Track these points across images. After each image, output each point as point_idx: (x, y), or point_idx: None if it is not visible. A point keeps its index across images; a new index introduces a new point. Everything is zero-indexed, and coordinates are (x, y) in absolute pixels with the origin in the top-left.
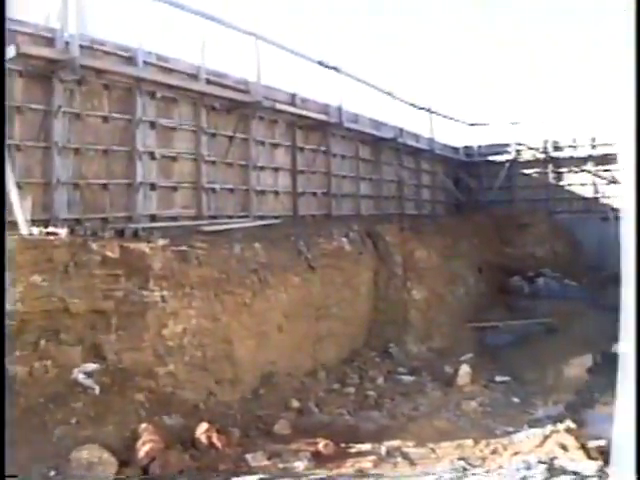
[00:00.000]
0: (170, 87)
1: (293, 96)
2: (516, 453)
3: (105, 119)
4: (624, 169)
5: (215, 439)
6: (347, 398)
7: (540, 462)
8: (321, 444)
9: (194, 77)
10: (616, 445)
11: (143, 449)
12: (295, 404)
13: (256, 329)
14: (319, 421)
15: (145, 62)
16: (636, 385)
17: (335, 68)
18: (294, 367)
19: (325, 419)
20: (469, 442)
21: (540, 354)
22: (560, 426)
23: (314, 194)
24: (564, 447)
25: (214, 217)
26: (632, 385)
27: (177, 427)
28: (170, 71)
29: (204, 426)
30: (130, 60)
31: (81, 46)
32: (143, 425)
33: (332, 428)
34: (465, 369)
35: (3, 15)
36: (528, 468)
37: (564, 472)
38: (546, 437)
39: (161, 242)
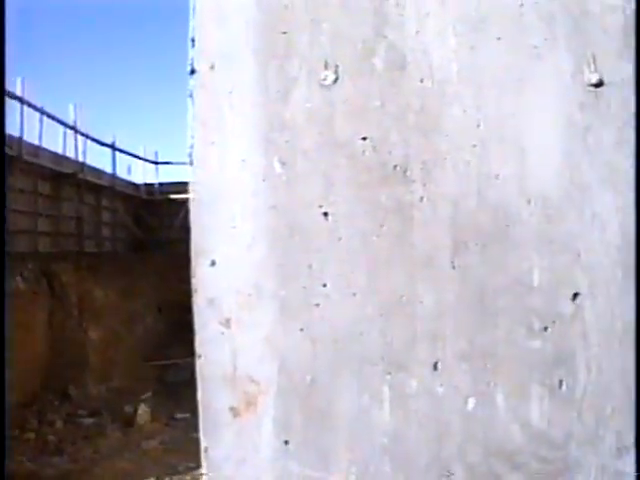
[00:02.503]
0: None
1: None
2: None
3: None
4: None
5: None
6: (27, 444)
7: None
8: None
9: None
10: None
11: None
12: None
13: None
14: None
15: None
16: (636, 384)
17: (19, 98)
18: None
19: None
20: None
21: None
22: None
23: None
24: None
25: None
26: (632, 384)
27: None
28: None
29: None
30: None
31: None
32: None
33: (13, 476)
34: (144, 408)
35: (3, 18)
36: None
37: None
38: None
39: None
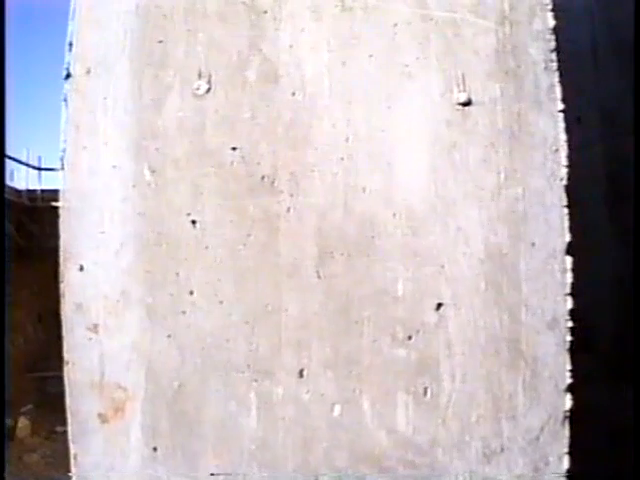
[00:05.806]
0: None
1: None
2: None
3: None
4: None
5: None
6: None
7: None
8: None
9: None
10: None
11: None
12: None
13: None
14: None
15: None
16: (635, 383)
17: None
18: None
19: None
20: None
21: None
22: None
23: None
24: None
25: None
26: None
27: None
28: None
29: None
30: None
31: None
32: None
33: None
34: (24, 421)
35: (3, 15)
36: None
37: None
38: None
39: None
